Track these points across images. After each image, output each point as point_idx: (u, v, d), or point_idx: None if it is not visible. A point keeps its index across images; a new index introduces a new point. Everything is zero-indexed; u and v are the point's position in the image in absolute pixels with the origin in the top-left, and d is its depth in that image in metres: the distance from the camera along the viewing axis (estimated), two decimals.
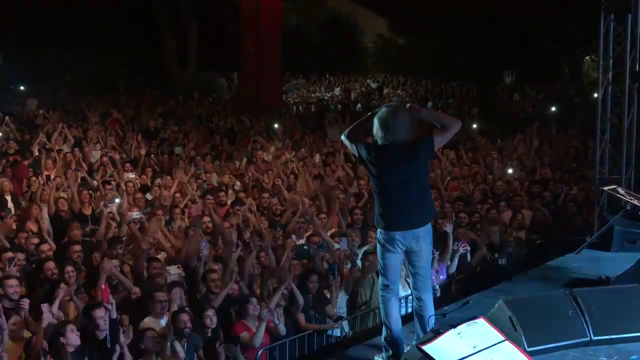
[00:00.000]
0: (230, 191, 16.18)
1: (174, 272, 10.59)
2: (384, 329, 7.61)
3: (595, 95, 13.90)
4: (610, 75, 13.34)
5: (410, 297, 8.54)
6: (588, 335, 7.54)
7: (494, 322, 7.13)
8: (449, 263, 11.86)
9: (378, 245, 7.46)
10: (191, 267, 11.04)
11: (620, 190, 11.86)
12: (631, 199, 11.45)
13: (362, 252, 11.36)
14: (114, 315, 8.66)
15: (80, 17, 36.96)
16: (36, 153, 17.52)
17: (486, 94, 37.33)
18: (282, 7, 32.52)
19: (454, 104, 35.81)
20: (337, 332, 10.57)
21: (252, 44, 31.21)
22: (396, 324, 7.54)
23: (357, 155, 7.48)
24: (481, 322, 6.60)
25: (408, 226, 7.30)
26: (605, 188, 12.27)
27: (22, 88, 32.55)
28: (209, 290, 10.18)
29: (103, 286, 8.66)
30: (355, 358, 8.16)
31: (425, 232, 7.39)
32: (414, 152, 7.21)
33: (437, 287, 10.97)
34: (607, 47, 13.23)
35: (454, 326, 6.49)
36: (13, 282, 9.37)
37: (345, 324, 10.71)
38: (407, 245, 7.33)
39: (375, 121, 7.23)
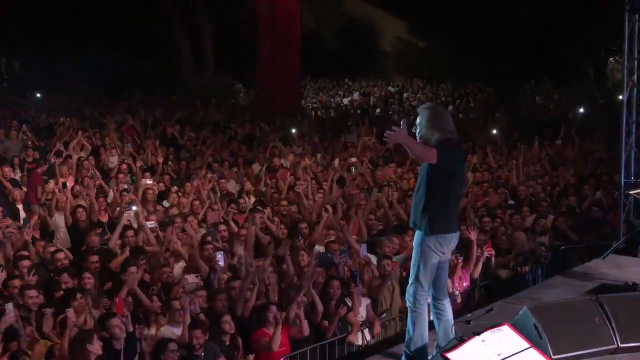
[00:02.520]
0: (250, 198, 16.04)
1: (193, 280, 10.47)
2: (409, 337, 7.39)
3: (620, 97, 13.63)
4: (635, 76, 13.07)
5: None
6: (615, 342, 7.43)
7: (518, 329, 7.03)
8: (472, 269, 11.69)
9: (427, 250, 7.17)
10: (206, 275, 10.95)
11: None
12: None
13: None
14: (130, 328, 8.52)
15: (95, 23, 37.07)
16: (52, 160, 17.46)
17: (508, 97, 37.16)
18: (299, 11, 32.31)
19: (475, 107, 35.57)
20: (358, 341, 10.38)
21: (269, 49, 31.07)
22: (425, 331, 7.36)
23: (438, 162, 6.98)
24: (506, 329, 6.46)
25: (458, 227, 7.44)
26: (631, 192, 12.05)
27: (38, 95, 32.61)
28: (232, 298, 10.05)
29: (117, 299, 8.54)
30: None
31: None
32: (463, 151, 7.25)
33: (457, 293, 10.83)
34: (632, 48, 12.97)
35: (478, 333, 6.34)
36: (33, 292, 9.31)
37: (366, 332, 10.53)
38: (452, 248, 7.34)
39: (431, 117, 7.14)
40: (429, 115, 7.17)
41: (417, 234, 7.27)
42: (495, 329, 6.42)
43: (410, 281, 7.39)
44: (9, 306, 8.39)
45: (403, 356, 7.43)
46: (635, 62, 13.08)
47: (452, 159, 7.07)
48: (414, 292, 7.28)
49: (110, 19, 37.26)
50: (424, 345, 7.31)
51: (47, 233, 13.71)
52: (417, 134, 7.22)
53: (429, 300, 7.51)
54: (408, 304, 7.38)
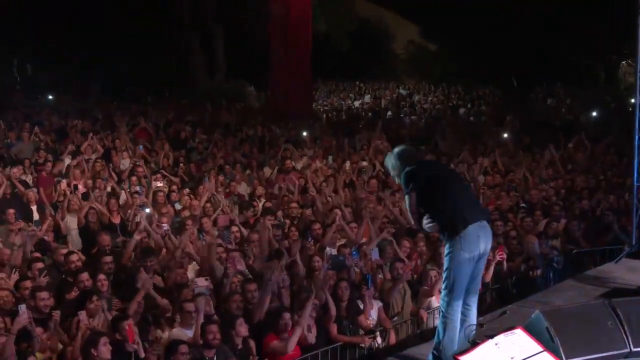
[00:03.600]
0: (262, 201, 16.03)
1: (202, 284, 10.45)
2: (438, 340, 7.36)
3: (633, 100, 13.54)
4: None
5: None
6: (628, 346, 7.39)
7: (530, 332, 7.01)
8: (483, 271, 11.63)
9: (456, 253, 7.21)
10: (219, 279, 10.93)
11: None
12: None
13: None
14: (142, 354, 8.48)
15: (107, 26, 37.19)
16: (67, 162, 17.49)
17: (520, 100, 37.15)
18: (311, 14, 32.32)
19: (487, 111, 35.51)
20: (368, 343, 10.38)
21: (281, 52, 31.10)
22: (456, 337, 7.35)
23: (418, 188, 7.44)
24: (519, 332, 6.44)
25: (483, 216, 7.45)
26: None
27: (50, 97, 32.73)
28: (247, 300, 10.06)
29: (127, 327, 8.49)
30: None
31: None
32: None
33: None
34: None
35: (492, 336, 6.32)
36: (44, 294, 9.33)
37: (377, 335, 10.52)
38: (485, 246, 7.33)
39: (397, 157, 7.68)
40: (394, 162, 7.71)
41: (446, 245, 7.37)
42: (509, 332, 6.40)
43: (443, 286, 7.43)
44: (22, 307, 8.40)
45: (430, 356, 7.42)
46: None
47: (422, 174, 7.45)
48: (447, 298, 7.32)
49: (122, 22, 37.34)
50: (452, 348, 7.29)
51: (59, 235, 13.73)
52: (393, 176, 7.86)
53: None
54: (441, 308, 7.44)
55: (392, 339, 10.61)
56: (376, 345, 10.43)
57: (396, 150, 7.80)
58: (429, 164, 7.62)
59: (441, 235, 7.43)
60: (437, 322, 8.81)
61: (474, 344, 6.22)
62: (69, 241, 13.69)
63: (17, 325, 8.26)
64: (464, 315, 7.41)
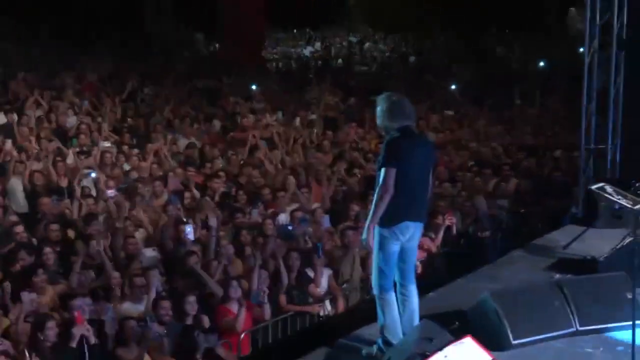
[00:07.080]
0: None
1: (150, 254, 10.29)
2: (381, 324, 7.32)
3: (581, 49, 13.58)
4: (596, 42, 12.99)
5: None
6: (574, 325, 7.50)
7: (478, 315, 7.29)
8: (433, 236, 11.67)
9: (383, 240, 7.06)
10: (168, 249, 10.80)
11: (609, 189, 11.50)
12: (619, 199, 11.13)
13: None
14: (93, 340, 8.33)
15: None
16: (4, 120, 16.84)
17: (470, 49, 37.10)
18: None
19: (435, 60, 35.35)
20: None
21: None
22: (396, 314, 7.31)
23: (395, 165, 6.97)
24: (468, 341, 6.40)
25: (422, 219, 7.27)
26: (593, 187, 11.86)
27: None
28: (192, 274, 9.97)
29: (76, 313, 8.33)
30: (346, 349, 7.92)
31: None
32: (428, 139, 7.19)
33: (417, 263, 10.82)
34: (594, 12, 12.86)
35: (441, 348, 6.31)
36: None
37: (327, 303, 10.56)
38: (414, 235, 7.18)
39: (389, 107, 7.11)
40: (386, 105, 7.16)
41: (375, 227, 7.17)
42: (458, 342, 6.38)
43: (373, 268, 7.38)
44: None
45: (379, 340, 7.42)
46: (597, 28, 12.95)
47: (404, 154, 6.99)
48: (377, 280, 7.28)
49: None
50: (396, 328, 7.31)
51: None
52: (378, 123, 7.28)
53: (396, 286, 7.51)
54: (375, 292, 7.38)
55: (341, 306, 10.66)
56: (326, 312, 10.50)
57: (393, 98, 7.25)
58: (416, 138, 7.16)
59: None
60: None
61: (423, 356, 6.21)
62: (14, 204, 13.41)
63: None
64: (405, 296, 7.38)
